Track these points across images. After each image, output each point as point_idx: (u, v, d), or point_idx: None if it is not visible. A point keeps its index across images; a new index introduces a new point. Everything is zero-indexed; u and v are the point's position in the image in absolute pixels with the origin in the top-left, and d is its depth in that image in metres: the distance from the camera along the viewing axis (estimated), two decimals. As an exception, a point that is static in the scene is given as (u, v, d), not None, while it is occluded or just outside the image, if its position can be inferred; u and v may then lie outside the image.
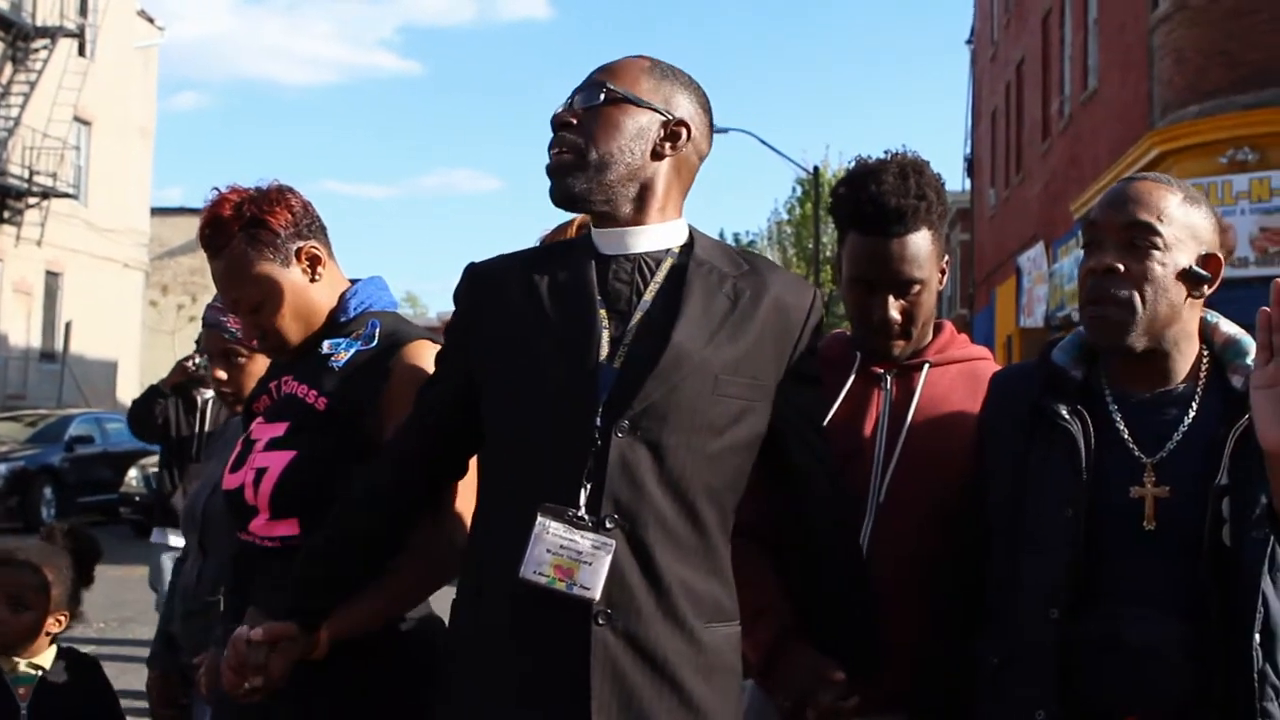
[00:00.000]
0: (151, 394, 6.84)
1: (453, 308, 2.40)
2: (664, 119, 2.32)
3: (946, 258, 2.73)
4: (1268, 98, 14.49)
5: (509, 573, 2.14)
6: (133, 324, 35.25)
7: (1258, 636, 2.14)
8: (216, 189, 2.67)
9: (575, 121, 2.29)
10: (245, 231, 2.60)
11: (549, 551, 2.12)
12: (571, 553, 2.12)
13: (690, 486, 2.19)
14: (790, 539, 2.43)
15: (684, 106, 2.35)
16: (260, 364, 3.15)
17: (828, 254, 36.36)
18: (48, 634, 3.32)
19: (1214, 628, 2.15)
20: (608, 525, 2.13)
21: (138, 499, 17.12)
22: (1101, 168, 18.46)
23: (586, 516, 2.13)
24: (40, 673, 3.29)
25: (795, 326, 2.33)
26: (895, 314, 2.61)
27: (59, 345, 30.88)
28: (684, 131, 2.33)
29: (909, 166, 2.63)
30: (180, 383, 6.70)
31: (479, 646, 2.22)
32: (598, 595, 2.12)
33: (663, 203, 2.32)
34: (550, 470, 2.17)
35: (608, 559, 2.12)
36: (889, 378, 2.68)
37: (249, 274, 2.60)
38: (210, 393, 6.63)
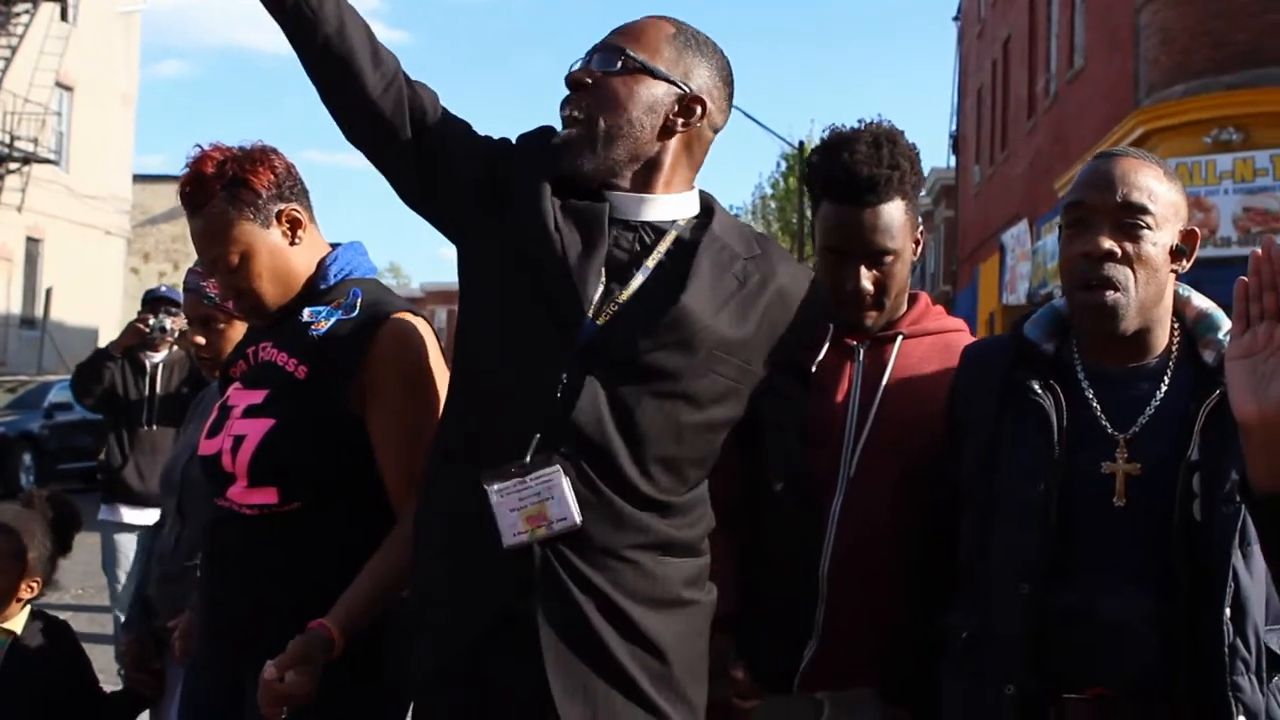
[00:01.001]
0: (100, 356, 6.61)
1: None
2: (680, 92, 2.27)
3: (921, 229, 2.71)
4: (1253, 78, 14.50)
5: (475, 538, 2.15)
6: (114, 291, 35.05)
7: (1228, 610, 2.14)
8: (199, 146, 2.65)
9: (589, 83, 2.25)
10: (226, 190, 2.58)
11: (512, 510, 2.12)
12: (531, 497, 2.11)
13: (651, 449, 2.17)
14: (748, 526, 2.42)
15: (703, 78, 2.31)
16: (239, 330, 3.13)
17: (811, 229, 36.37)
18: (19, 600, 3.30)
19: (1184, 602, 2.16)
20: (560, 452, 2.13)
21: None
22: (1087, 146, 18.44)
23: (529, 459, 2.12)
24: (11, 637, 3.28)
25: (796, 319, 2.32)
26: (868, 284, 2.60)
27: (39, 312, 30.65)
28: (699, 108, 2.29)
29: (883, 136, 2.61)
30: (131, 345, 6.50)
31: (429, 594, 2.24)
32: (578, 518, 2.12)
33: (669, 177, 2.30)
34: (507, 411, 2.17)
35: (564, 481, 2.12)
36: (862, 349, 2.66)
37: (228, 233, 2.58)
38: (158, 357, 6.56)
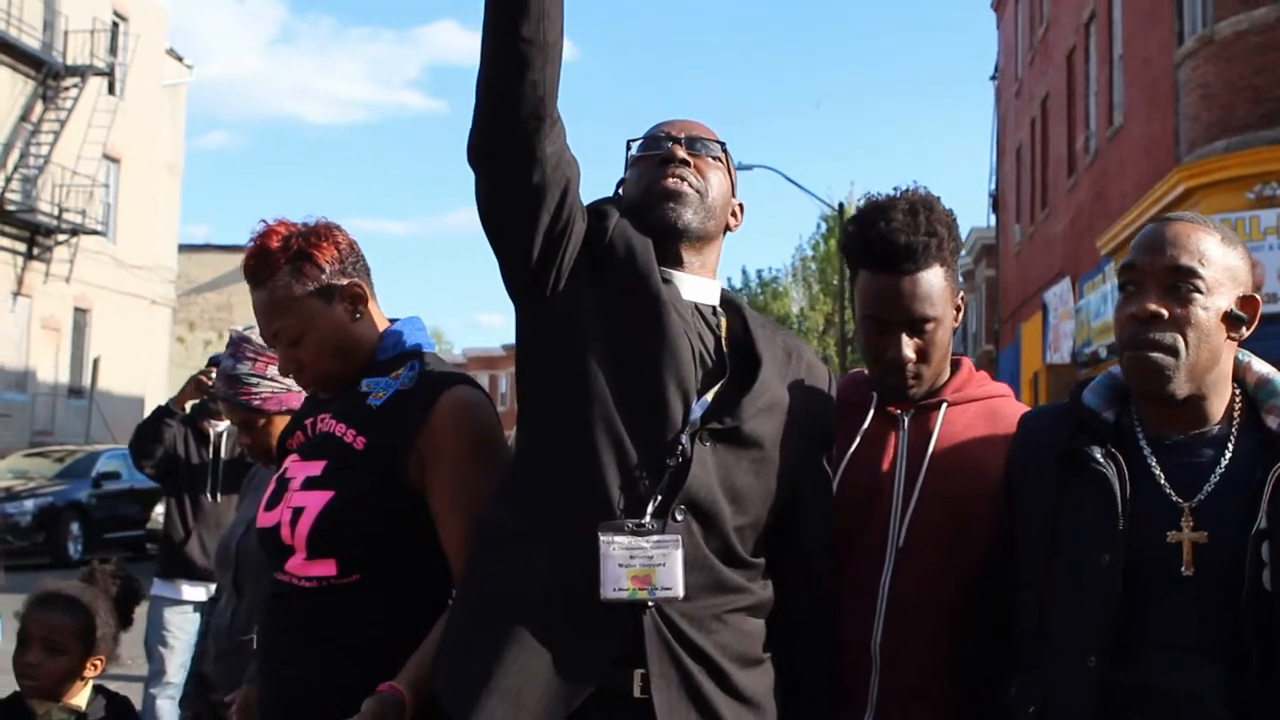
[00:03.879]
0: (160, 415, 6.30)
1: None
2: (734, 199, 2.55)
3: (962, 294, 2.71)
4: (1295, 133, 14.46)
5: (574, 588, 2.18)
6: (160, 360, 35.39)
7: None
8: (264, 221, 2.69)
9: (690, 164, 2.43)
10: (291, 264, 2.62)
11: (621, 566, 2.17)
12: (643, 559, 2.18)
13: (747, 514, 2.31)
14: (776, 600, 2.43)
15: (737, 190, 2.56)
16: (281, 425, 3.14)
17: (851, 296, 36.33)
18: (84, 678, 3.31)
19: (1255, 673, 2.13)
20: (675, 519, 2.21)
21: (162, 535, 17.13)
22: (1128, 203, 18.41)
23: (649, 522, 2.19)
24: (74, 716, 3.28)
25: (821, 390, 2.52)
26: (909, 352, 2.59)
27: (87, 381, 30.99)
28: (740, 213, 2.57)
29: (919, 203, 2.60)
30: (195, 403, 6.26)
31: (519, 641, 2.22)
32: (681, 592, 2.19)
33: (714, 267, 2.50)
34: (621, 479, 2.22)
35: (677, 553, 2.19)
36: (906, 418, 2.65)
37: (291, 307, 2.62)
38: (222, 425, 6.28)
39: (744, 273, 46.93)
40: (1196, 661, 2.16)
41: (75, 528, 19.24)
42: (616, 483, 2.22)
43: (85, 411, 30.36)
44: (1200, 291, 2.23)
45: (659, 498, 2.21)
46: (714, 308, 2.46)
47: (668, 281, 2.37)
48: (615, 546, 2.18)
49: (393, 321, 2.75)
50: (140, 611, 3.56)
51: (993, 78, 36.85)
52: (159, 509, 17.48)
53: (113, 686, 3.44)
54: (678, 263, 2.41)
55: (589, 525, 2.20)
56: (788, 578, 2.42)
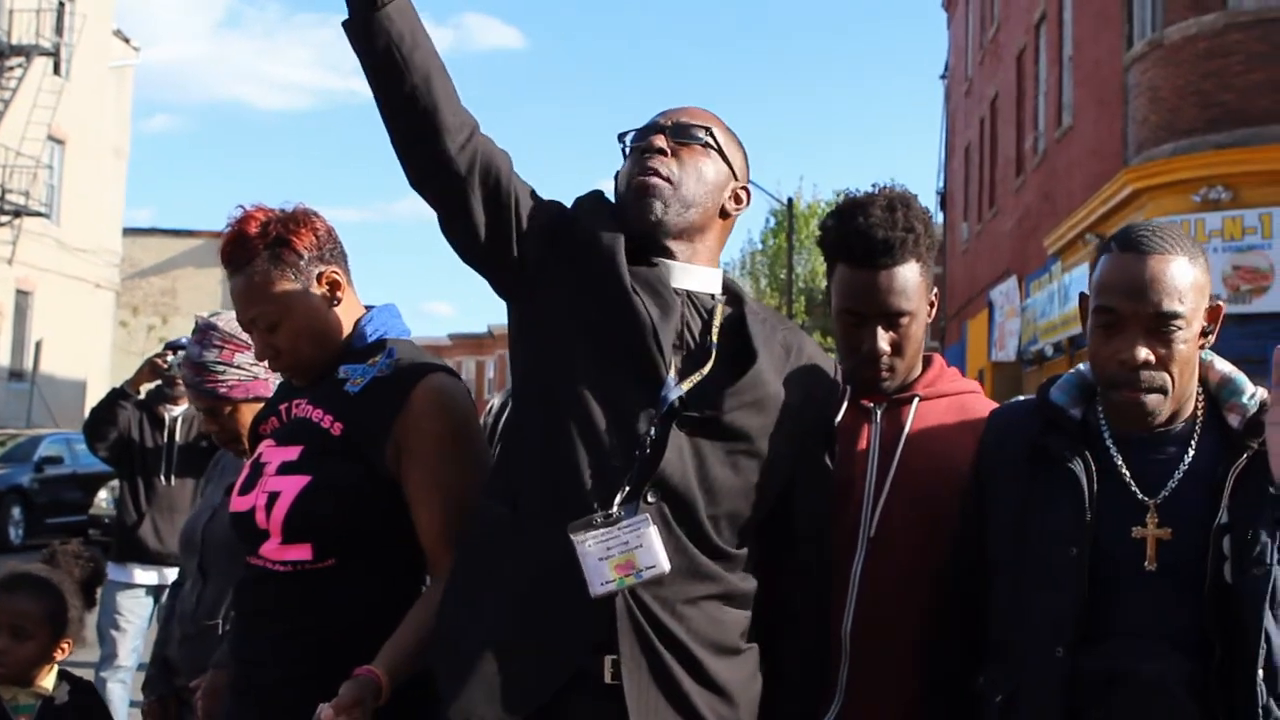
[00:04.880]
0: (115, 396, 6.28)
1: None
2: (735, 181, 2.49)
3: (935, 291, 2.76)
4: (1241, 137, 14.65)
5: (555, 580, 2.20)
6: (103, 344, 35.02)
7: (1261, 672, 2.17)
8: (241, 206, 2.69)
9: (670, 153, 2.39)
10: (269, 250, 2.62)
11: (601, 559, 2.18)
12: (620, 547, 2.18)
13: (723, 504, 2.29)
14: (767, 593, 2.44)
15: (741, 171, 2.50)
16: (248, 412, 3.14)
17: (800, 285, 36.45)
18: (52, 661, 3.28)
19: (1218, 663, 2.19)
20: (647, 501, 2.22)
21: (107, 520, 16.95)
22: (1076, 204, 18.60)
23: (616, 510, 2.20)
24: (40, 700, 3.26)
25: (823, 387, 2.49)
26: (884, 345, 2.64)
27: (29, 364, 30.62)
28: (746, 196, 2.51)
29: (897, 199, 2.66)
30: (149, 387, 6.25)
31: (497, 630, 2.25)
32: (666, 565, 2.21)
33: (712, 254, 2.47)
34: (594, 468, 2.23)
35: (651, 530, 2.20)
36: (879, 411, 2.70)
37: (269, 293, 2.62)
38: (177, 410, 6.28)
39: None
40: (1161, 650, 2.22)
41: (16, 512, 19.01)
42: (589, 472, 2.23)
43: (27, 395, 29.98)
44: (1182, 329, 2.26)
45: (628, 485, 2.22)
46: (712, 295, 2.44)
47: (654, 266, 2.37)
48: (590, 543, 2.18)
49: (369, 309, 2.76)
50: (95, 594, 3.54)
51: (943, 76, 37.09)
52: (102, 494, 17.41)
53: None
54: (666, 252, 2.39)
55: (563, 520, 2.21)
56: (782, 571, 2.44)
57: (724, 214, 2.47)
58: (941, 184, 35.62)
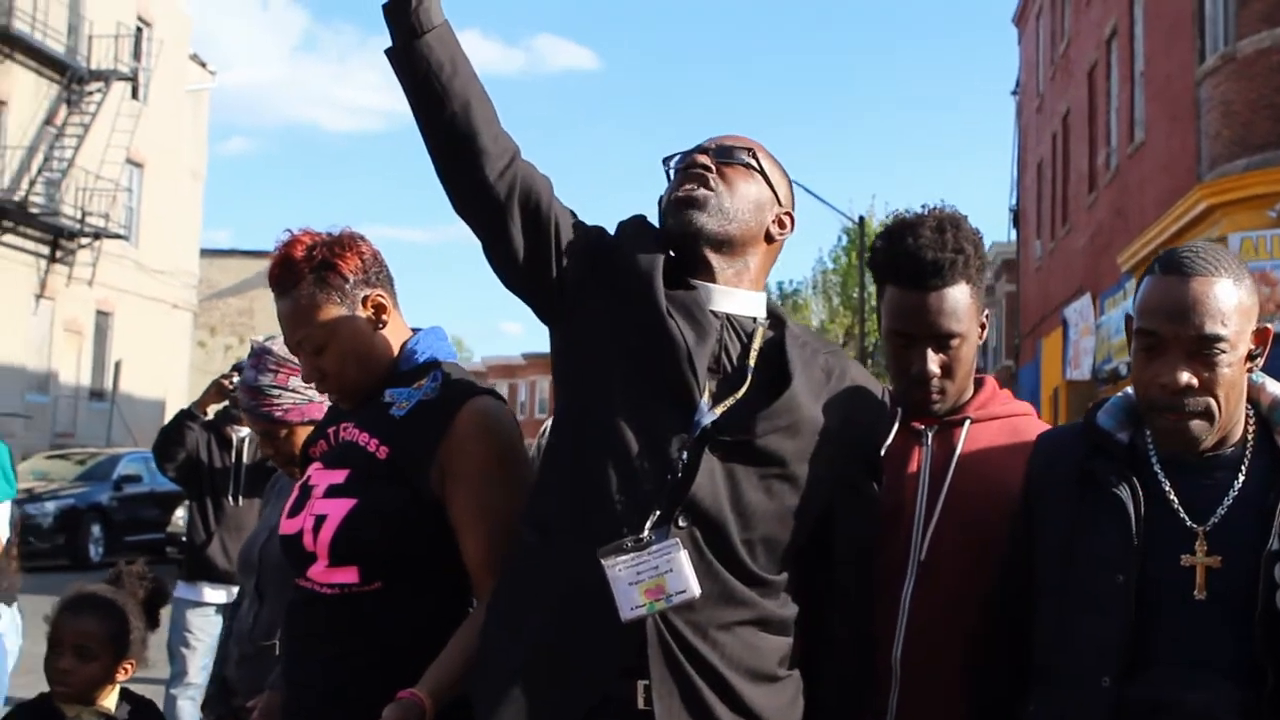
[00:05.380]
0: (182, 418, 6.35)
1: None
2: (779, 206, 2.49)
3: (987, 311, 2.74)
4: (1317, 152, 14.43)
5: (588, 605, 2.20)
6: (181, 364, 35.51)
7: None
8: (289, 230, 2.72)
9: (713, 172, 2.40)
10: (315, 274, 2.65)
11: (631, 584, 2.18)
12: (650, 571, 2.18)
13: (758, 529, 2.27)
14: (809, 620, 2.44)
15: (785, 197, 2.50)
16: (304, 435, 3.17)
17: (874, 303, 36.22)
18: (114, 681, 3.32)
19: (1270, 692, 2.14)
20: (678, 526, 2.21)
21: (184, 539, 17.16)
22: (1149, 220, 18.38)
23: (647, 534, 2.19)
24: (103, 719, 3.29)
25: (869, 414, 2.46)
26: (934, 367, 2.62)
27: (108, 384, 31.14)
28: (790, 222, 2.50)
29: (946, 220, 2.64)
30: (218, 408, 6.29)
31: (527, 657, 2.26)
32: (697, 590, 2.19)
33: (755, 276, 2.46)
34: (625, 492, 2.23)
35: (681, 554, 2.19)
36: (930, 433, 2.68)
37: (315, 316, 2.64)
38: (244, 431, 6.25)
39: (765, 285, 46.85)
40: (1210, 679, 2.18)
41: (96, 530, 19.34)
42: (620, 496, 2.23)
43: (106, 414, 30.48)
44: (1225, 352, 2.22)
45: (659, 510, 2.21)
46: (754, 319, 2.42)
47: (691, 289, 2.37)
48: (620, 568, 2.18)
49: (415, 331, 2.78)
50: (163, 613, 3.59)
51: (1014, 93, 36.79)
52: (179, 513, 17.58)
53: (135, 688, 3.47)
54: (707, 272, 2.39)
55: (594, 544, 2.21)
56: (822, 597, 2.43)
57: (769, 238, 2.47)
58: (1014, 201, 35.30)
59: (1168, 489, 2.30)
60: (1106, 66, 23.15)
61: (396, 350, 2.71)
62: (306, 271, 2.65)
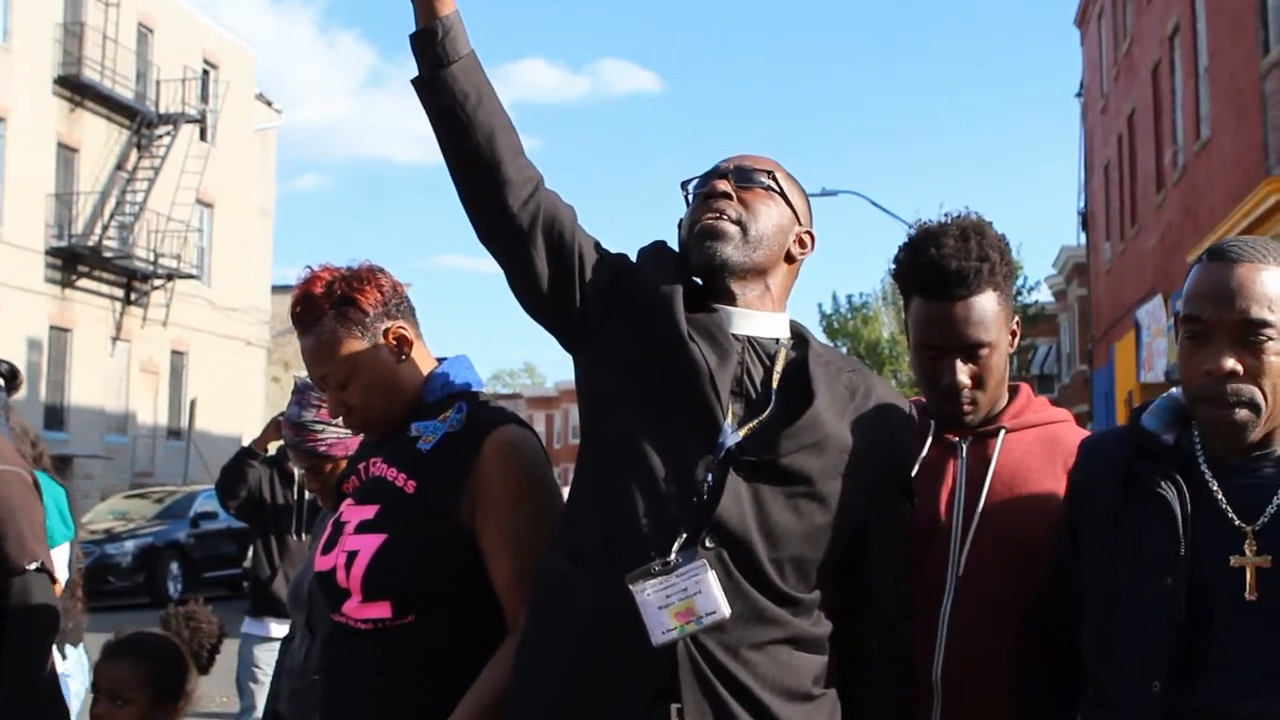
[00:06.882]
0: (243, 456, 6.41)
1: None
2: (799, 225, 2.47)
3: (1017, 319, 2.68)
4: (1389, 141, 14.16)
5: (617, 631, 2.18)
6: (256, 400, 35.97)
7: None
8: (309, 267, 2.74)
9: (733, 199, 2.40)
10: (335, 309, 2.66)
11: (660, 608, 2.17)
12: (679, 594, 2.16)
13: (786, 548, 2.26)
14: (844, 640, 2.40)
15: (807, 217, 2.49)
16: None
17: (905, 327, 36.01)
18: None
19: None
20: (705, 547, 2.19)
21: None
22: (1218, 217, 18.10)
23: (674, 557, 2.18)
24: None
25: (896, 431, 2.43)
26: (964, 378, 2.57)
27: (184, 423, 31.63)
28: (810, 241, 2.48)
29: (970, 228, 2.59)
30: (278, 444, 6.27)
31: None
32: (727, 610, 2.18)
33: (777, 297, 2.45)
34: (651, 516, 2.22)
35: (709, 575, 2.18)
36: (964, 445, 2.63)
37: (337, 352, 2.65)
38: None
39: (834, 298, 46.75)
40: (1261, 687, 2.11)
41: (174, 567, 19.62)
42: (646, 520, 2.22)
43: (183, 452, 30.95)
44: (1272, 339, 2.17)
45: (686, 532, 2.20)
46: (776, 340, 2.41)
47: (713, 312, 2.36)
48: (648, 593, 2.17)
49: (440, 361, 2.78)
50: (231, 649, 3.59)
51: (1078, 95, 36.44)
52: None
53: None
54: (729, 297, 2.38)
55: (622, 570, 2.20)
56: (857, 615, 2.40)
57: (789, 259, 2.46)
58: (1083, 204, 34.94)
59: (1215, 489, 2.24)
60: (1170, 64, 22.87)
61: (422, 381, 2.72)
62: (327, 307, 2.66)
